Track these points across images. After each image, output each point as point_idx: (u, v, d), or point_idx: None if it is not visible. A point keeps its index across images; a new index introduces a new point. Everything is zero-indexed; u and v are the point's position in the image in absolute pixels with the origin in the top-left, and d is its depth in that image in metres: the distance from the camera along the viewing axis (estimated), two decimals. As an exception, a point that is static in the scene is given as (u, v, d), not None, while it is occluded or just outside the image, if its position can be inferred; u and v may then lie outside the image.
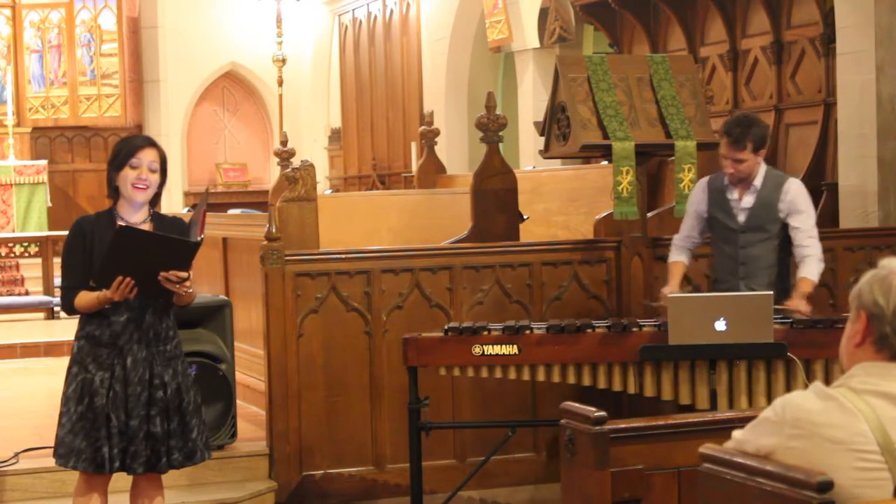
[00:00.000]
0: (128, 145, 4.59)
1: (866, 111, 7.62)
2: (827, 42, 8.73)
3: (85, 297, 4.50)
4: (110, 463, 4.50)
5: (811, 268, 5.64)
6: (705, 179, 5.91)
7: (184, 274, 4.41)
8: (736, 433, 2.74)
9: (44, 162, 14.37)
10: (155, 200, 4.63)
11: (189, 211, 12.99)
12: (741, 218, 5.73)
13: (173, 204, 14.72)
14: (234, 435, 6.27)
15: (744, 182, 5.70)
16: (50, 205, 14.18)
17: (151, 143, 4.62)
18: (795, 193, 5.74)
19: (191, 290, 4.50)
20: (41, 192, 14.02)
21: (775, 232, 5.72)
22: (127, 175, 4.53)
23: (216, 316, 6.30)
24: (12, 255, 12.42)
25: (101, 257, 4.42)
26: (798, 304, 5.54)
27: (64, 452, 4.56)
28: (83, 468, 4.55)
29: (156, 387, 4.54)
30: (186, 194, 16.14)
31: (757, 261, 5.70)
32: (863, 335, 2.63)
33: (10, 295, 12.41)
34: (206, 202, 4.60)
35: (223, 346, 6.24)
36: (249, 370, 7.33)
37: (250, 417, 6.97)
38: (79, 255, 4.54)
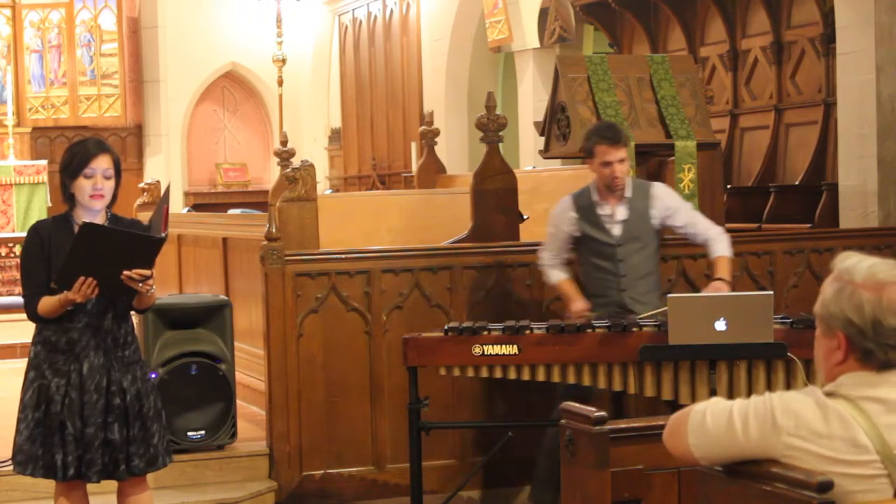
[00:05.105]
0: (80, 154, 4.45)
1: (866, 111, 7.62)
2: (827, 42, 8.73)
3: (47, 302, 4.41)
4: (64, 470, 4.44)
5: (723, 245, 5.71)
6: (569, 198, 5.83)
7: (147, 272, 4.32)
8: (705, 404, 2.71)
9: (44, 162, 14.34)
10: (111, 202, 4.54)
11: (189, 211, 12.99)
12: (616, 231, 5.71)
13: (173, 204, 14.67)
14: (234, 435, 6.27)
15: (615, 193, 5.68)
16: (50, 205, 14.14)
17: (104, 149, 4.49)
18: (665, 195, 5.79)
19: (153, 290, 4.41)
20: (41, 192, 13.98)
21: (650, 240, 5.75)
22: (83, 185, 4.44)
23: (216, 316, 6.29)
24: (12, 255, 12.40)
25: (63, 257, 4.31)
26: (721, 288, 5.55)
27: (22, 460, 4.52)
28: (41, 475, 4.51)
29: (113, 393, 4.46)
30: (186, 194, 16.13)
31: (636, 270, 5.72)
32: (845, 353, 2.59)
33: (10, 295, 12.39)
34: (168, 199, 4.50)
35: (223, 346, 6.24)
36: (249, 370, 7.32)
37: (250, 417, 6.97)
38: (38, 262, 4.45)
